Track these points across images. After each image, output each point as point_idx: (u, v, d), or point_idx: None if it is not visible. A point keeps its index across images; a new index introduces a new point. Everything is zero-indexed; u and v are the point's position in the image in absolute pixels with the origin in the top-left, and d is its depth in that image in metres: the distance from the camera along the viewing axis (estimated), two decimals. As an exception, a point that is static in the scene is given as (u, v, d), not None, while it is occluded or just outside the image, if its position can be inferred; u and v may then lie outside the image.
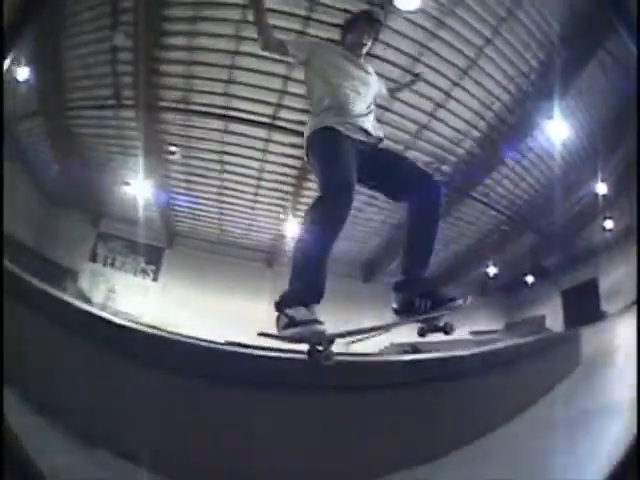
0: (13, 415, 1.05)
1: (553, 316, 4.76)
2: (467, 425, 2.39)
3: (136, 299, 6.42)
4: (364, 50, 2.63)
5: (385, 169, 2.40)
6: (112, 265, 6.90)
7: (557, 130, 4.20)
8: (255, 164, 5.09)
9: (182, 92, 4.76)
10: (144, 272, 6.74)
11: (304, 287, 2.09)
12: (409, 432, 2.20)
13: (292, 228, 5.04)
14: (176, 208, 5.60)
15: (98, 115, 5.64)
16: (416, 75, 3.37)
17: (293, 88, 4.46)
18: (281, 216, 5.14)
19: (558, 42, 4.06)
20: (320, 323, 1.94)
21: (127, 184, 5.91)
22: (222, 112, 4.72)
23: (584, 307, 4.53)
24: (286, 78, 4.43)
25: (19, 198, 6.16)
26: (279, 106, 4.73)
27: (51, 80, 5.83)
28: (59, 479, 1.13)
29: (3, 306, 1.32)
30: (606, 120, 4.11)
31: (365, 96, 2.45)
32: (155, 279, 6.70)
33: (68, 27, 5.36)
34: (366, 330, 2.25)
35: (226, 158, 5.08)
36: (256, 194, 5.07)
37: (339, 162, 2.19)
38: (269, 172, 5.11)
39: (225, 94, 4.66)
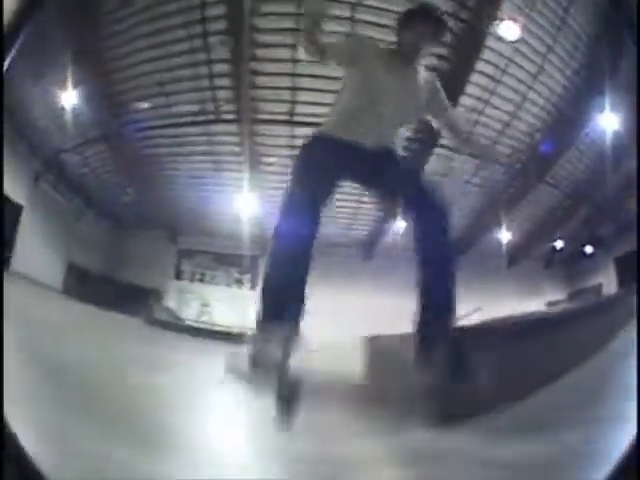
0: (13, 415, 1.08)
1: (608, 283, 5.29)
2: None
3: (234, 310, 6.36)
4: (420, 55, 2.26)
5: (390, 179, 2.24)
6: (201, 280, 6.75)
7: (607, 121, 4.98)
8: None
9: (288, 104, 5.01)
10: (239, 282, 6.70)
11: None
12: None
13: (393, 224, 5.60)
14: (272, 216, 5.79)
15: (176, 133, 5.65)
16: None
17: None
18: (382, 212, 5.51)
19: (598, 41, 4.80)
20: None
21: (208, 197, 6.00)
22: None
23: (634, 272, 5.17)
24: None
25: (84, 229, 6.06)
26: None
27: (109, 102, 5.68)
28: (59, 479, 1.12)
29: (3, 306, 1.37)
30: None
31: (393, 109, 2.22)
32: (253, 287, 6.62)
33: (124, 43, 5.37)
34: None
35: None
36: (362, 194, 5.31)
37: (308, 186, 2.06)
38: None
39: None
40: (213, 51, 4.73)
